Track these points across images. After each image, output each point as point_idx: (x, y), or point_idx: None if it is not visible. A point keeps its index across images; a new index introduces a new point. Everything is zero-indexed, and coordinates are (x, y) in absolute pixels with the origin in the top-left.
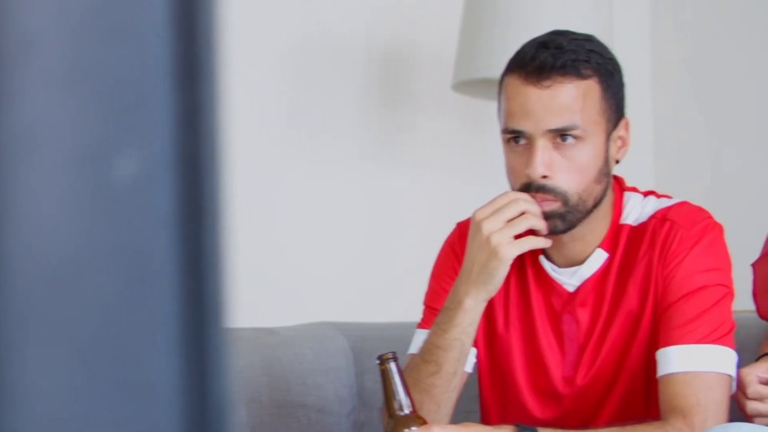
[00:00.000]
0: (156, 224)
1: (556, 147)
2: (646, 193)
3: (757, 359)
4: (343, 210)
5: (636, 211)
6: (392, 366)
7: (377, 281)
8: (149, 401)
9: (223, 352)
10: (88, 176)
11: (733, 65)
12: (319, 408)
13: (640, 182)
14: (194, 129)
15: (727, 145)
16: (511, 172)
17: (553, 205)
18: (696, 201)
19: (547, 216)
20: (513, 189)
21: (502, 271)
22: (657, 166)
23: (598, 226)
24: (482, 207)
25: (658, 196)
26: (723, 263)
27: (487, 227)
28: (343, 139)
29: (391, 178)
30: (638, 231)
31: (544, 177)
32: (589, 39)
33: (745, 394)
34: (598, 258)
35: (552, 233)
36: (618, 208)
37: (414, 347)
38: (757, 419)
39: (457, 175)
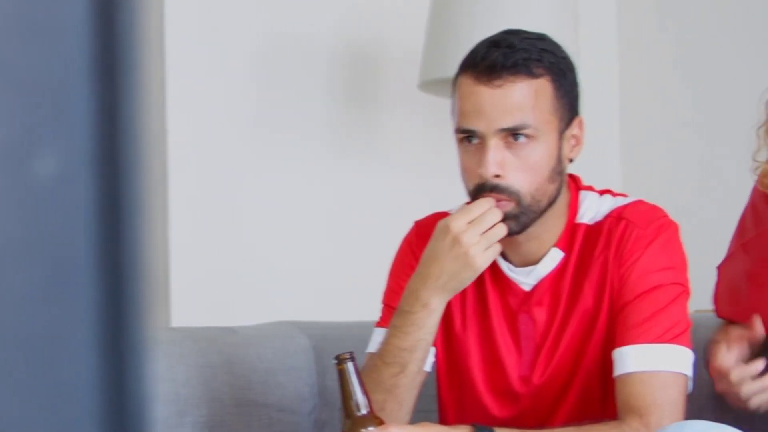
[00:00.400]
0: (76, 222)
1: (509, 146)
2: (602, 192)
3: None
4: (309, 209)
5: (592, 209)
6: (350, 366)
7: (342, 280)
8: (66, 400)
9: (143, 352)
10: (7, 174)
11: (699, 63)
12: (280, 407)
13: (607, 182)
14: (114, 127)
15: (694, 144)
16: (465, 171)
17: (508, 206)
18: (662, 200)
19: (502, 217)
20: (467, 189)
21: (472, 279)
22: (624, 165)
23: (553, 225)
24: (457, 216)
25: (614, 194)
26: (678, 262)
27: (466, 240)
28: (309, 137)
29: (357, 176)
30: (594, 230)
31: (497, 176)
32: (541, 38)
33: (738, 390)
34: (554, 257)
35: (507, 235)
36: (574, 207)
37: (373, 346)
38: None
39: (423, 174)
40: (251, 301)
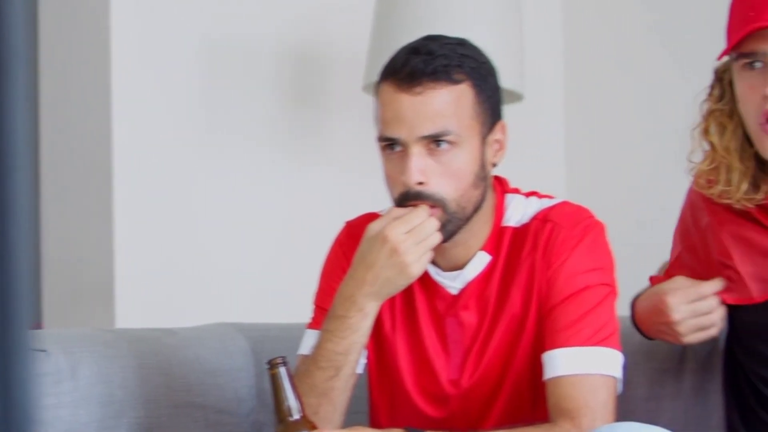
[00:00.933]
0: None
1: (431, 153)
2: (528, 194)
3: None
4: (254, 210)
5: (518, 212)
6: (282, 370)
7: (290, 281)
8: None
9: (26, 355)
10: None
11: (642, 64)
12: (218, 409)
13: (551, 187)
14: None
15: (639, 150)
16: (389, 179)
17: (434, 212)
18: (608, 206)
19: None
20: (392, 197)
21: (406, 285)
22: (569, 170)
23: (479, 229)
24: (394, 225)
25: (540, 196)
26: (605, 262)
27: (404, 249)
28: (255, 139)
29: (302, 178)
30: (520, 233)
31: (420, 184)
32: (461, 43)
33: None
34: (481, 261)
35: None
36: (500, 211)
37: (304, 348)
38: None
39: (368, 175)
40: (197, 302)
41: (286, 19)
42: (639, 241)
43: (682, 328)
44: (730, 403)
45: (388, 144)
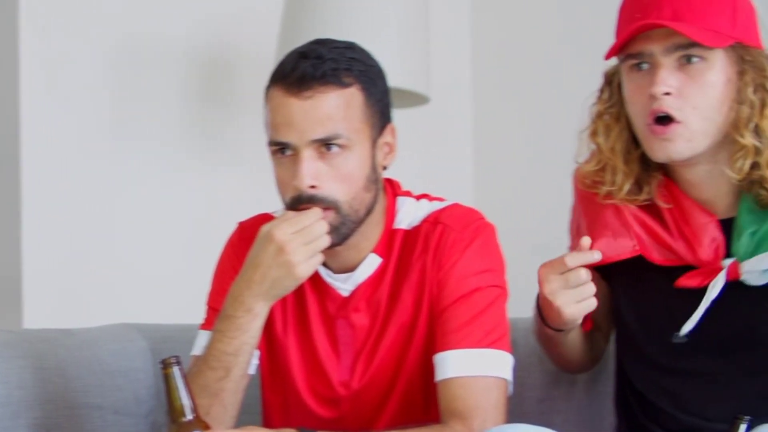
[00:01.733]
0: None
1: (322, 157)
2: (419, 197)
3: None
4: (163, 211)
5: (409, 215)
6: (175, 370)
7: (196, 282)
8: None
9: None
10: None
11: (552, 72)
12: (116, 409)
13: (459, 188)
14: None
15: (547, 152)
16: (280, 184)
17: (328, 216)
18: (515, 207)
19: None
20: (284, 201)
21: (295, 287)
22: (476, 171)
23: (371, 232)
24: (282, 225)
25: (431, 198)
26: (496, 264)
27: (290, 248)
28: (161, 139)
29: (210, 179)
30: (412, 235)
31: (312, 187)
32: (350, 47)
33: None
34: (372, 263)
35: (327, 247)
36: (391, 213)
37: (197, 349)
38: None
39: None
40: (106, 303)
41: (195, 21)
42: (546, 241)
43: (558, 301)
44: (620, 417)
45: (279, 148)
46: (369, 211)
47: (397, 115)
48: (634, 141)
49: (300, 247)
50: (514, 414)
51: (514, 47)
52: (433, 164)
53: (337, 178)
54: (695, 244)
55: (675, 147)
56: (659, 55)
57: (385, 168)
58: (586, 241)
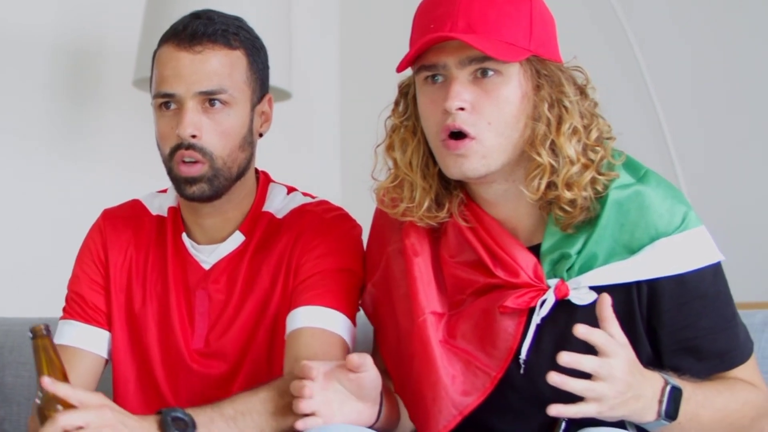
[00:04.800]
0: None
1: (205, 111)
2: (291, 189)
3: None
4: (25, 206)
5: (278, 202)
6: (45, 340)
7: (60, 277)
8: None
9: None
10: None
11: None
12: None
13: (326, 183)
14: None
15: None
16: (161, 137)
17: (202, 168)
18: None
19: (196, 180)
20: (163, 155)
21: None
22: (343, 167)
23: (240, 204)
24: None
25: (304, 194)
26: (354, 254)
27: None
28: (27, 133)
29: (75, 172)
30: (277, 222)
31: (194, 137)
32: (238, 19)
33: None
34: (236, 239)
35: (199, 198)
36: (262, 196)
37: (60, 338)
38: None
39: (138, 170)
40: None
41: (61, 12)
42: None
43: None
44: None
45: (164, 102)
46: (240, 174)
47: None
48: (432, 156)
49: None
50: None
51: (381, 44)
52: (299, 160)
53: (217, 133)
54: (516, 266)
55: (469, 164)
56: (453, 67)
57: (260, 135)
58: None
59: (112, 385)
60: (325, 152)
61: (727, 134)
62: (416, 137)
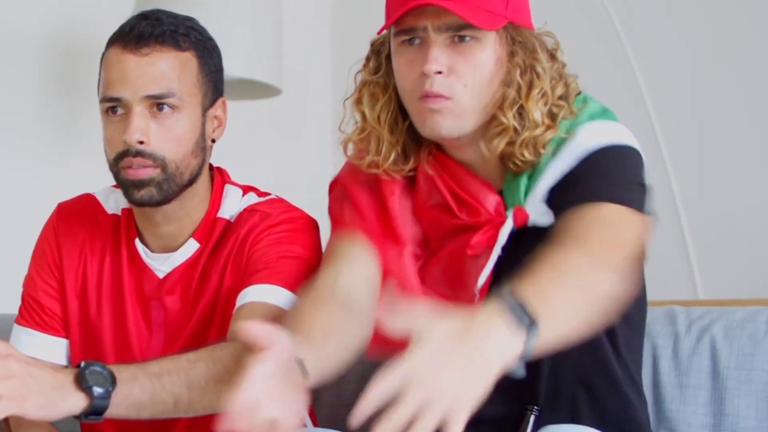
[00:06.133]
0: None
1: (154, 116)
2: (247, 189)
3: None
4: (17, 202)
5: (233, 205)
6: None
7: None
8: None
9: None
10: None
11: None
12: None
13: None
14: None
15: None
16: (108, 143)
17: (152, 172)
18: None
19: (144, 183)
20: (109, 160)
21: None
22: (335, 166)
23: (193, 210)
24: None
25: (260, 193)
26: (304, 244)
27: None
28: (17, 130)
29: (65, 168)
30: (230, 225)
31: (141, 143)
32: (189, 19)
33: None
34: (190, 247)
35: (148, 203)
36: (216, 201)
37: (18, 346)
38: None
39: None
40: None
41: (48, 9)
42: None
43: None
44: None
45: (111, 107)
46: (193, 179)
47: (250, 106)
48: (401, 112)
49: None
50: (333, 406)
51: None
52: (289, 157)
53: (166, 138)
54: (478, 206)
55: (445, 122)
56: (432, 31)
57: (213, 141)
58: None
59: None
60: (316, 149)
61: (720, 133)
62: (387, 93)
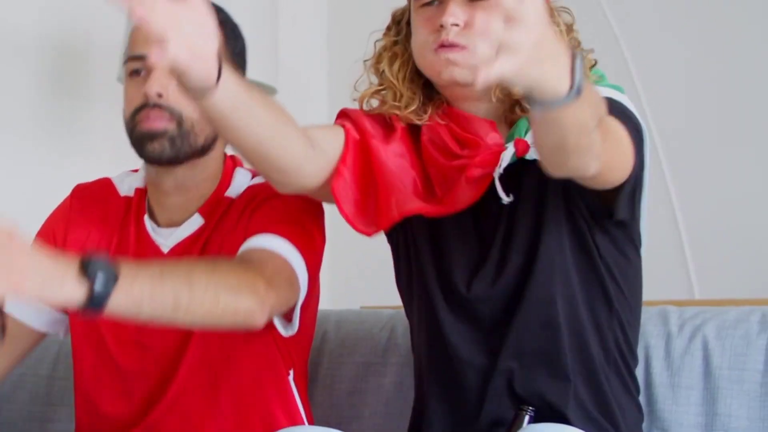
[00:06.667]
0: None
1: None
2: (256, 173)
3: None
4: (12, 201)
5: (241, 186)
6: None
7: None
8: None
9: None
10: None
11: None
12: None
13: None
14: None
15: None
16: (128, 102)
17: (168, 125)
18: None
19: (158, 134)
20: (126, 117)
21: None
22: None
23: (203, 184)
24: None
25: None
26: (307, 212)
27: None
28: (13, 129)
29: (62, 168)
30: (234, 202)
31: (160, 96)
32: (221, 7)
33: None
34: (194, 223)
35: (159, 159)
36: (226, 179)
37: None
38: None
39: (125, 165)
40: None
41: (45, 8)
42: None
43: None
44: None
45: (135, 69)
46: (206, 147)
47: None
48: (417, 72)
49: None
50: (324, 405)
51: (368, 39)
52: None
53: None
54: (479, 140)
55: (460, 70)
56: None
57: None
58: None
59: (72, 361)
60: None
61: (716, 134)
62: (406, 54)
